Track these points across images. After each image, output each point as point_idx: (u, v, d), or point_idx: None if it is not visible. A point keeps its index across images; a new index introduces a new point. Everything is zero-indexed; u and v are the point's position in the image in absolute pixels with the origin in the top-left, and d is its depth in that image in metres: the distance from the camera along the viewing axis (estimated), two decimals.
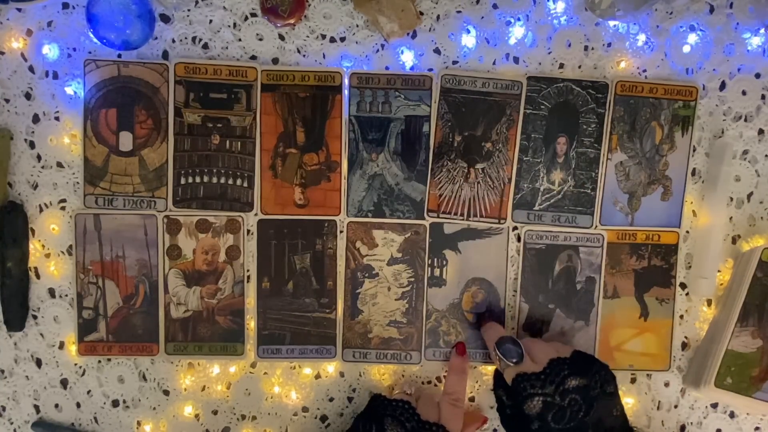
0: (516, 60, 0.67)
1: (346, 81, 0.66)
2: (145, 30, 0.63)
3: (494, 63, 0.67)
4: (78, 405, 0.68)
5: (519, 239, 0.68)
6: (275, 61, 0.66)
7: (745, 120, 0.69)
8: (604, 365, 0.60)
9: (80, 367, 0.68)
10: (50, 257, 0.67)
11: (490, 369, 0.69)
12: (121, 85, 0.66)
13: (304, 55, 0.67)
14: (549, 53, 0.67)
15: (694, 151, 0.69)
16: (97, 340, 0.67)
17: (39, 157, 0.66)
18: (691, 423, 0.71)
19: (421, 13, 0.66)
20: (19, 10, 0.65)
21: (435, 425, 0.60)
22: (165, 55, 0.66)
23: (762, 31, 0.68)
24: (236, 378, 0.69)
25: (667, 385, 0.70)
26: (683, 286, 0.69)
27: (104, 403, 0.69)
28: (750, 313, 0.66)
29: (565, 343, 0.67)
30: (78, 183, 0.66)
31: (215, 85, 0.66)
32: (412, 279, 0.68)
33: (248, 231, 0.67)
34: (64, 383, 0.68)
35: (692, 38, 0.68)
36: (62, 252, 0.67)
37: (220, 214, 0.67)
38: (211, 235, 0.67)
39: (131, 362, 0.68)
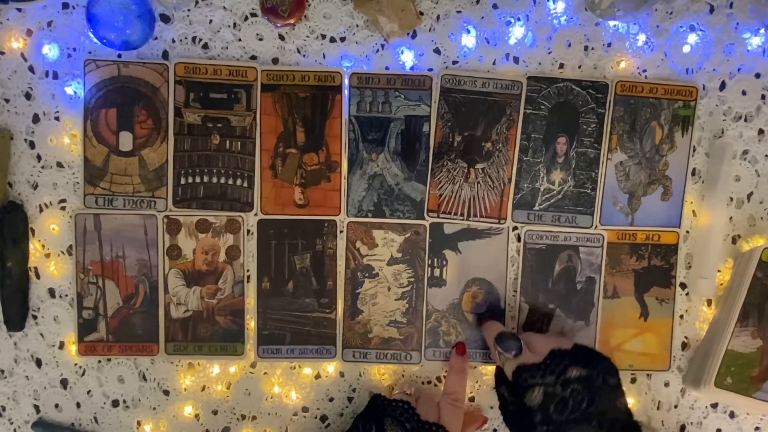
0: (516, 60, 0.67)
1: (346, 81, 0.66)
2: (145, 30, 0.63)
3: (494, 63, 0.67)
4: (78, 405, 0.68)
5: (519, 239, 0.68)
6: (275, 61, 0.66)
7: (745, 120, 0.69)
8: (606, 358, 0.59)
9: (80, 367, 0.68)
10: (50, 257, 0.67)
11: (490, 369, 0.69)
12: (121, 85, 0.66)
13: (304, 55, 0.67)
14: (549, 53, 0.67)
15: (694, 151, 0.69)
16: (97, 340, 0.67)
17: (39, 157, 0.66)
18: (691, 423, 0.71)
19: (421, 13, 0.66)
20: (19, 10, 0.65)
21: (435, 425, 0.60)
22: (165, 55, 0.66)
23: (762, 31, 0.68)
24: (236, 378, 0.69)
25: (667, 385, 0.70)
26: (683, 286, 0.69)
27: (104, 403, 0.69)
28: (750, 313, 0.66)
29: None
30: (78, 183, 0.66)
31: (215, 85, 0.66)
32: (412, 279, 0.68)
33: (248, 231, 0.67)
34: (64, 383, 0.68)
35: (692, 38, 0.68)
36: (62, 252, 0.67)
37: (220, 214, 0.67)
38: (211, 235, 0.67)
39: (131, 362, 0.68)
